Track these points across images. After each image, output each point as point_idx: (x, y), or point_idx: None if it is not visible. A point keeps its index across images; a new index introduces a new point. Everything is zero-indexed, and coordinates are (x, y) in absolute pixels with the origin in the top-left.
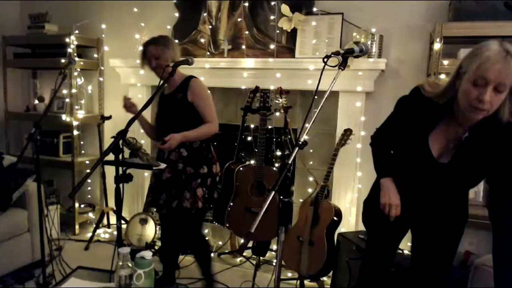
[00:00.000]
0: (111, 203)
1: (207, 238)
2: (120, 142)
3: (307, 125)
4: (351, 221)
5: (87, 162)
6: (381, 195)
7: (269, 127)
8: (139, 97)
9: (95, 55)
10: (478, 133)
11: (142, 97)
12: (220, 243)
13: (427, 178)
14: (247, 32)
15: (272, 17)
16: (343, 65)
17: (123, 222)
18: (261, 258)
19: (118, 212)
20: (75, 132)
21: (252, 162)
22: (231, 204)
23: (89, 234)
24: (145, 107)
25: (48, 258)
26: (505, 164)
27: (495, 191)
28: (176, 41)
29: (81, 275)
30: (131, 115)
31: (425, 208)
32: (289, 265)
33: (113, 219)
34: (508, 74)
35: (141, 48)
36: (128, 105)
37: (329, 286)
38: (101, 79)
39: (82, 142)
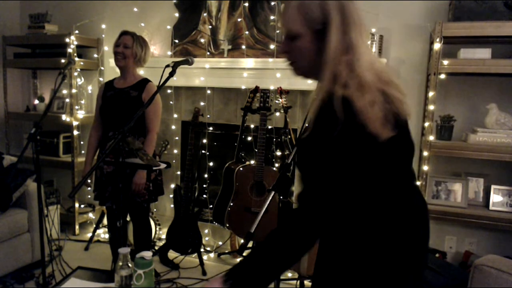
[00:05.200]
0: None
1: (207, 238)
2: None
3: (307, 125)
4: None
5: None
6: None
7: (269, 127)
8: None
9: (95, 55)
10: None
11: None
12: (220, 243)
13: None
14: (247, 32)
15: (272, 17)
16: None
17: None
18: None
19: (118, 212)
20: (75, 132)
21: (252, 162)
22: (231, 204)
23: (89, 234)
24: (146, 105)
25: (48, 258)
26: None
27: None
28: (176, 40)
29: (81, 275)
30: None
31: None
32: None
33: None
34: (287, 21)
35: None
36: None
37: None
38: (101, 79)
39: (82, 142)
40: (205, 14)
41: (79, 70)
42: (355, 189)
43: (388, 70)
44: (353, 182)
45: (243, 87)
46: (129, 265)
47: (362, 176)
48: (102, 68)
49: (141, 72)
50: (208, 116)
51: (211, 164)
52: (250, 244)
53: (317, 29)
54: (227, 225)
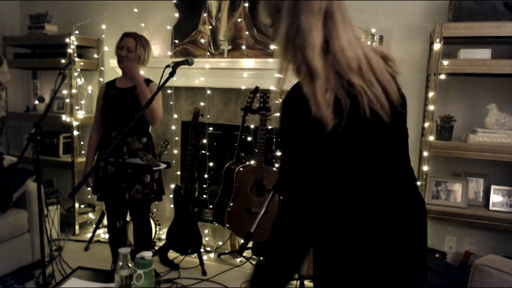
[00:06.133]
0: None
1: (207, 239)
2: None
3: None
4: None
5: None
6: None
7: (269, 127)
8: None
9: (95, 56)
10: None
11: None
12: (220, 243)
13: None
14: (247, 33)
15: None
16: None
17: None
18: (261, 258)
19: (118, 212)
20: (75, 133)
21: (252, 162)
22: (231, 204)
23: (89, 235)
24: (145, 106)
25: (48, 258)
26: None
27: None
28: (176, 41)
29: (81, 275)
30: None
31: None
32: None
33: None
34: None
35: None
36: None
37: None
38: (101, 79)
39: (82, 142)
40: (205, 15)
41: (79, 70)
42: (322, 179)
43: (375, 58)
44: (314, 170)
45: (243, 88)
46: (129, 265)
47: (320, 165)
48: (102, 68)
49: (141, 72)
50: (208, 116)
51: (211, 164)
52: (250, 244)
53: (277, 15)
54: (227, 225)
